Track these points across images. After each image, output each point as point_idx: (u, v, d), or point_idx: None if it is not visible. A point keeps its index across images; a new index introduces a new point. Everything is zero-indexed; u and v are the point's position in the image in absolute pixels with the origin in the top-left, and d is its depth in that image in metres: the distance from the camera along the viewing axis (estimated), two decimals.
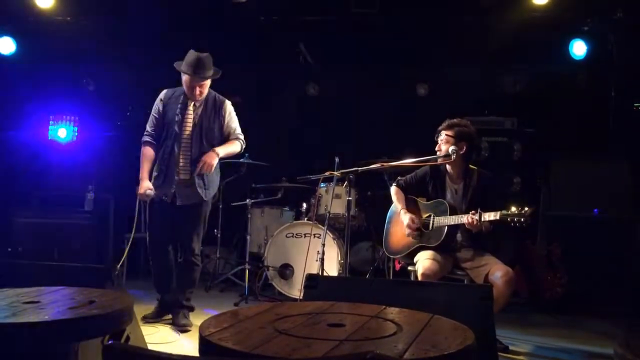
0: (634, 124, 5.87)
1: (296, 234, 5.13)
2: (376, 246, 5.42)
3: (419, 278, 3.55)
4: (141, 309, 4.31)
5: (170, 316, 4.23)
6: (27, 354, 1.90)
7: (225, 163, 5.07)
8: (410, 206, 3.95)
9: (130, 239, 4.27)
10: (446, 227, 3.68)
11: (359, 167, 3.91)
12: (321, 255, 4.44)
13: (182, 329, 4.05)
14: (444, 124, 3.84)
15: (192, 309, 4.25)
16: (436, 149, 3.85)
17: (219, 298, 5.24)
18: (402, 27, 6.07)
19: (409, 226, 3.81)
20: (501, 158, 5.84)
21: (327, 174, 4.26)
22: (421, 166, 3.96)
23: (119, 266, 4.32)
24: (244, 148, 4.29)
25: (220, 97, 4.21)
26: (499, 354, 3.63)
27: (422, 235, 3.82)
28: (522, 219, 3.32)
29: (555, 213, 5.31)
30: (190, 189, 4.05)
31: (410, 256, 3.85)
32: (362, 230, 5.54)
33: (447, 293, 2.55)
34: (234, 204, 5.53)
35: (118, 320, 2.09)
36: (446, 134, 3.79)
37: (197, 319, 4.18)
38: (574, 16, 5.80)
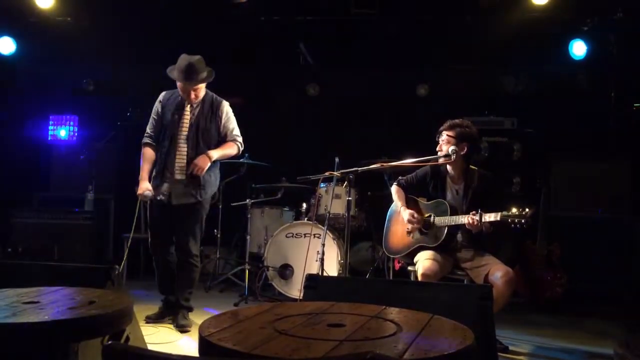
0: (633, 124, 5.87)
1: (296, 234, 5.13)
2: (376, 246, 5.42)
3: (419, 278, 3.55)
4: (141, 309, 4.32)
5: (172, 317, 4.23)
6: (27, 354, 1.90)
7: (226, 163, 5.08)
8: (411, 206, 3.95)
9: (129, 239, 4.26)
10: (446, 227, 3.68)
11: (358, 167, 3.91)
12: (321, 255, 4.44)
13: (182, 329, 4.05)
14: (446, 124, 3.83)
15: (190, 309, 4.25)
16: (437, 149, 3.85)
17: (219, 298, 5.24)
18: (402, 27, 6.08)
19: (409, 221, 3.81)
20: (501, 158, 5.84)
21: (327, 174, 4.26)
22: (421, 166, 3.96)
23: (122, 266, 4.29)
24: (242, 150, 4.28)
25: (218, 98, 4.21)
26: (499, 354, 3.63)
27: (422, 235, 3.82)
28: (523, 220, 3.32)
29: (556, 213, 5.32)
30: (185, 188, 4.06)
31: (410, 256, 3.85)
32: (362, 231, 5.54)
33: (447, 293, 2.55)
34: (234, 204, 5.53)
35: (118, 321, 2.09)
36: (447, 135, 3.79)
37: (197, 319, 4.18)
38: (574, 16, 5.81)
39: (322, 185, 5.19)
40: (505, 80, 6.34)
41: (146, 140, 4.17)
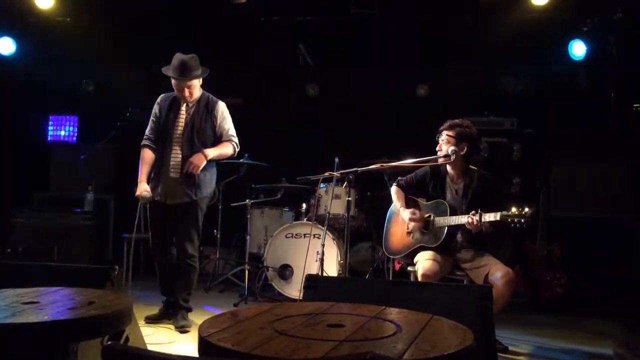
0: (633, 124, 5.87)
1: (296, 235, 5.13)
2: (376, 246, 5.42)
3: (419, 278, 3.55)
4: (141, 310, 4.32)
5: (171, 318, 4.24)
6: (27, 355, 1.90)
7: (225, 164, 5.08)
8: (410, 206, 3.95)
9: (133, 240, 4.26)
10: (446, 228, 3.68)
11: (358, 167, 3.91)
12: (321, 255, 4.44)
13: (181, 329, 4.05)
14: (446, 124, 3.83)
15: (190, 310, 4.24)
16: (437, 149, 3.85)
17: (219, 298, 5.24)
18: (402, 27, 6.08)
19: (411, 219, 3.80)
20: (501, 158, 5.84)
21: (326, 174, 4.25)
22: (421, 166, 3.96)
23: (130, 266, 4.28)
24: (237, 150, 4.27)
25: (214, 98, 4.23)
26: (499, 354, 3.63)
27: (422, 235, 3.82)
28: (522, 220, 3.32)
29: (555, 213, 5.32)
30: (180, 187, 4.07)
31: (410, 256, 3.85)
32: (361, 231, 5.54)
33: (447, 294, 2.55)
34: (233, 204, 5.52)
35: (117, 321, 2.09)
36: (447, 134, 3.79)
37: (197, 319, 4.18)
38: (574, 17, 5.81)
39: (321, 186, 5.19)
40: (505, 81, 6.34)
41: (145, 142, 4.20)
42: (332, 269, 4.84)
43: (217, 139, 4.18)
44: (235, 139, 4.22)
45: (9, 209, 5.70)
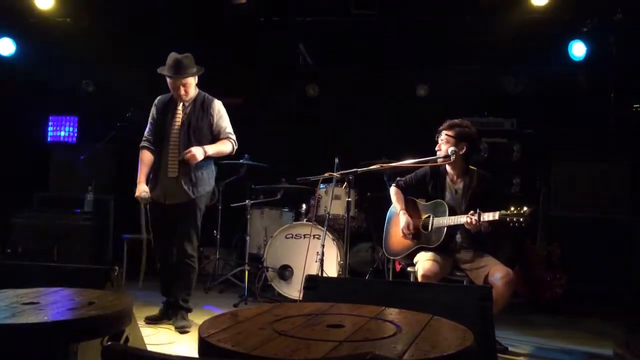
0: (633, 124, 5.88)
1: (296, 235, 5.13)
2: (376, 247, 5.42)
3: (419, 279, 3.55)
4: (141, 310, 4.32)
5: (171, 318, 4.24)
6: (26, 355, 1.90)
7: (225, 164, 5.08)
8: (410, 207, 3.95)
9: (144, 241, 4.26)
10: (445, 228, 3.68)
11: (358, 168, 3.91)
12: (321, 256, 4.43)
13: (181, 330, 4.05)
14: (445, 124, 3.83)
15: (189, 310, 4.24)
16: (436, 148, 3.85)
17: (219, 299, 5.24)
18: (401, 28, 6.08)
19: (403, 230, 3.82)
20: (501, 159, 5.84)
21: (326, 174, 4.25)
22: (420, 167, 3.96)
23: (143, 265, 4.28)
24: (236, 149, 4.28)
25: (210, 97, 4.24)
26: (499, 354, 3.63)
27: (422, 236, 3.82)
28: (522, 219, 3.32)
29: (555, 213, 5.32)
30: (177, 187, 4.07)
31: (410, 257, 3.85)
32: (361, 231, 5.54)
33: (446, 294, 2.55)
34: (233, 205, 5.52)
35: (117, 322, 2.09)
36: (446, 134, 3.79)
37: (197, 320, 4.18)
38: (574, 17, 5.81)
39: (321, 186, 5.19)
40: (505, 81, 6.35)
41: (143, 143, 4.22)
42: (332, 270, 4.84)
43: (215, 138, 4.19)
44: (233, 137, 4.22)
45: (9, 209, 5.70)
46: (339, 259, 4.92)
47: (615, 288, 4.95)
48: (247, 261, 5.26)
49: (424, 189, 3.96)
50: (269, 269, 5.13)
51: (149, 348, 3.19)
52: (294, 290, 4.99)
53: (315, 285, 2.60)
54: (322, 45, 6.35)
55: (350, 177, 4.01)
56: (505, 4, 5.65)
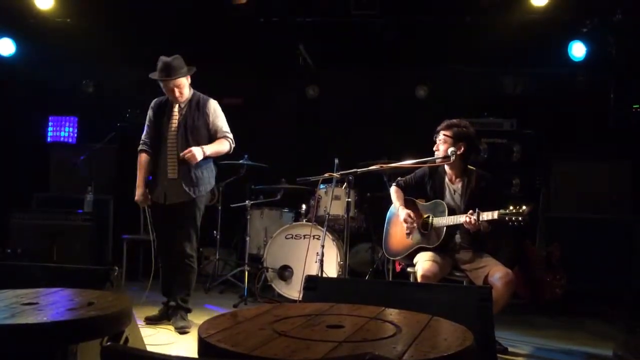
0: (633, 125, 5.88)
1: (295, 235, 5.13)
2: (375, 247, 5.42)
3: (419, 279, 3.55)
4: (141, 311, 4.31)
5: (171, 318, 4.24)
6: (26, 356, 1.90)
7: (225, 164, 5.08)
8: (409, 207, 3.95)
9: (153, 242, 4.28)
10: (445, 228, 3.68)
11: (358, 168, 3.91)
12: (320, 256, 4.43)
13: (181, 330, 4.05)
14: (443, 124, 3.84)
15: (189, 311, 4.24)
16: (434, 149, 3.86)
17: (218, 299, 5.24)
18: (401, 28, 6.08)
19: (405, 220, 3.81)
20: (500, 159, 5.84)
21: (326, 175, 4.25)
22: (420, 167, 3.96)
23: (152, 271, 4.31)
24: (233, 147, 4.29)
25: (205, 96, 4.26)
26: (499, 355, 3.63)
27: (421, 236, 3.82)
28: (520, 218, 3.32)
29: (555, 214, 5.32)
30: (178, 187, 4.09)
31: (409, 258, 3.85)
32: (361, 232, 5.53)
33: (446, 294, 2.55)
34: (233, 205, 5.52)
35: (117, 322, 2.09)
36: (444, 134, 3.79)
37: (198, 320, 4.18)
38: (573, 18, 5.81)
39: (321, 187, 5.19)
40: (504, 81, 6.34)
41: (141, 147, 4.27)
42: (331, 270, 4.84)
43: (212, 137, 4.20)
44: (230, 135, 4.24)
45: (8, 209, 5.70)
46: (338, 260, 4.92)
47: (615, 288, 4.95)
48: (247, 261, 5.26)
49: (423, 189, 3.96)
50: (269, 270, 5.13)
51: (149, 348, 3.19)
52: (293, 290, 4.99)
53: (315, 285, 2.60)
54: (322, 46, 6.34)
55: (350, 178, 4.02)
56: (505, 5, 5.65)
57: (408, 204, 3.98)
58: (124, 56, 6.14)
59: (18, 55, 6.44)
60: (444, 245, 3.71)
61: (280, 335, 1.67)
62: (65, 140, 6.66)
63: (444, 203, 3.76)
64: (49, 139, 6.68)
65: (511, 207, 3.36)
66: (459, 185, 3.84)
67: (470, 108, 5.94)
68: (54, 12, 6.03)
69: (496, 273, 3.52)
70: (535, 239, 5.11)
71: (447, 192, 3.86)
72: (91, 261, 5.47)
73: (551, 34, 5.84)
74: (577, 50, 5.86)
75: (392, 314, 2.02)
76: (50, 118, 6.68)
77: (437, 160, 3.81)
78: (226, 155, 4.41)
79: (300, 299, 4.16)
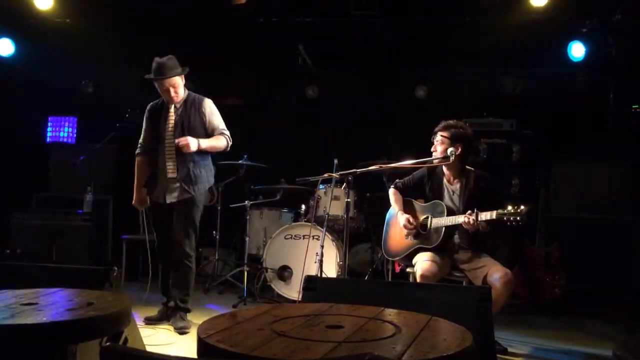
0: (633, 125, 5.88)
1: (295, 236, 5.13)
2: (375, 248, 5.42)
3: (418, 279, 3.56)
4: (140, 311, 4.31)
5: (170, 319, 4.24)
6: (25, 356, 1.90)
7: (224, 165, 5.08)
8: (408, 208, 3.95)
9: (148, 244, 4.31)
10: (444, 228, 3.68)
11: (357, 168, 3.91)
12: (320, 256, 4.42)
13: (180, 331, 4.05)
14: (440, 125, 3.85)
15: (188, 311, 4.24)
16: (432, 149, 3.86)
17: (218, 300, 5.23)
18: (401, 28, 6.08)
19: (405, 227, 3.82)
20: (500, 160, 5.84)
21: (325, 175, 4.25)
22: (419, 168, 3.96)
23: (149, 270, 4.32)
24: (230, 145, 4.29)
25: (200, 96, 4.29)
26: (498, 355, 3.63)
27: (420, 236, 3.82)
28: (519, 218, 3.33)
29: (554, 214, 5.32)
30: (177, 186, 4.11)
31: (408, 258, 3.85)
32: (361, 232, 5.53)
33: (446, 295, 2.55)
34: (232, 205, 5.52)
35: (116, 322, 2.09)
36: (442, 135, 3.80)
37: (198, 320, 4.17)
38: (573, 18, 5.81)
39: (321, 187, 5.19)
40: (504, 81, 6.34)
41: (138, 151, 4.32)
42: (331, 270, 4.84)
43: (209, 136, 4.23)
44: (227, 132, 4.26)
45: (8, 210, 5.70)
46: (338, 260, 4.91)
47: (615, 288, 4.95)
48: (246, 262, 5.26)
49: (421, 191, 3.97)
50: (268, 270, 5.13)
51: (148, 349, 3.19)
52: (293, 290, 4.99)
53: (314, 285, 2.60)
54: (321, 46, 6.34)
55: (350, 178, 4.02)
56: (505, 5, 5.65)
57: (407, 204, 3.98)
58: (124, 56, 6.14)
59: (17, 55, 6.43)
60: (443, 245, 3.72)
61: (280, 336, 1.67)
62: (65, 140, 6.66)
63: (443, 204, 3.77)
64: (48, 139, 6.68)
65: (509, 207, 3.36)
66: (457, 186, 3.84)
67: (470, 108, 5.95)
68: (53, 12, 6.03)
69: (495, 273, 3.52)
70: (535, 239, 5.11)
71: (445, 193, 3.86)
72: (91, 261, 5.47)
73: (551, 34, 5.84)
74: (577, 50, 5.87)
75: (392, 314, 2.02)
76: (49, 118, 6.68)
77: (436, 161, 3.81)
78: (226, 156, 4.41)
79: (299, 299, 4.16)
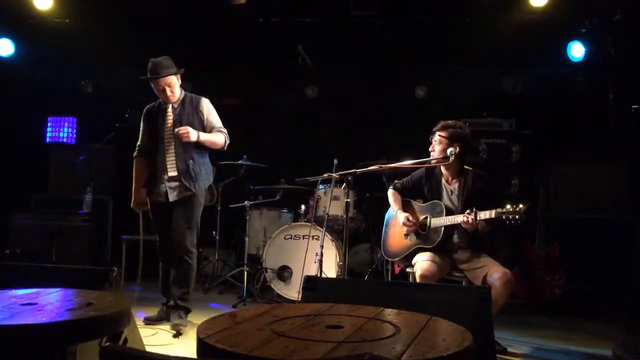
0: (633, 125, 5.88)
1: (294, 236, 5.13)
2: (375, 248, 5.42)
3: (417, 279, 3.56)
4: (140, 311, 4.31)
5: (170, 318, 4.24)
6: (25, 356, 1.90)
7: (224, 165, 5.08)
8: (407, 208, 3.95)
9: (158, 243, 4.30)
10: (443, 228, 3.69)
11: (357, 168, 3.91)
12: (320, 257, 4.42)
13: (175, 328, 4.04)
14: (438, 125, 3.86)
15: (188, 310, 4.23)
16: (430, 149, 3.87)
17: (217, 300, 5.23)
18: (401, 28, 6.08)
19: (404, 224, 3.82)
20: (500, 159, 5.84)
21: (325, 175, 4.25)
22: (419, 168, 3.96)
23: (149, 270, 4.33)
24: (228, 143, 4.30)
25: (197, 95, 4.31)
26: (498, 355, 3.63)
27: (420, 236, 3.82)
28: (517, 216, 3.33)
29: (554, 214, 5.32)
30: (178, 184, 4.12)
31: (408, 258, 3.85)
32: (360, 232, 5.53)
33: (445, 295, 2.55)
34: (232, 205, 5.52)
35: (116, 322, 2.08)
36: (440, 135, 3.80)
37: (197, 321, 4.17)
38: (573, 18, 5.81)
39: (320, 187, 5.19)
40: (504, 82, 6.35)
41: (135, 153, 4.33)
42: (331, 270, 4.84)
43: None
44: (225, 130, 4.28)
45: (7, 210, 5.69)
46: (338, 260, 4.91)
47: (615, 288, 4.95)
48: (246, 262, 5.26)
49: (420, 191, 3.97)
50: (268, 270, 5.13)
51: (148, 349, 3.18)
52: (293, 291, 4.99)
53: (314, 286, 2.60)
54: (321, 46, 6.34)
55: (349, 178, 4.02)
56: (505, 5, 5.65)
57: (405, 205, 3.99)
58: (123, 56, 6.13)
59: (17, 55, 6.44)
60: (442, 245, 3.72)
61: (279, 336, 1.67)
62: (65, 140, 6.66)
63: (442, 204, 3.77)
64: (48, 140, 6.67)
65: (508, 206, 3.36)
66: (455, 186, 3.84)
67: (469, 108, 5.95)
68: (53, 13, 6.03)
69: (495, 273, 3.52)
70: (535, 239, 5.11)
71: (444, 193, 3.86)
72: (90, 261, 5.47)
73: (550, 34, 5.85)
74: (576, 50, 5.87)
75: (391, 314, 2.02)
76: (49, 118, 6.67)
77: (434, 161, 3.81)
78: (225, 156, 4.40)
79: (299, 299, 4.16)
